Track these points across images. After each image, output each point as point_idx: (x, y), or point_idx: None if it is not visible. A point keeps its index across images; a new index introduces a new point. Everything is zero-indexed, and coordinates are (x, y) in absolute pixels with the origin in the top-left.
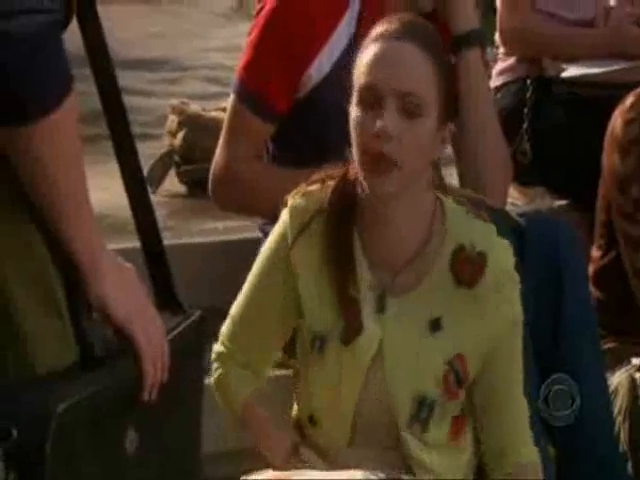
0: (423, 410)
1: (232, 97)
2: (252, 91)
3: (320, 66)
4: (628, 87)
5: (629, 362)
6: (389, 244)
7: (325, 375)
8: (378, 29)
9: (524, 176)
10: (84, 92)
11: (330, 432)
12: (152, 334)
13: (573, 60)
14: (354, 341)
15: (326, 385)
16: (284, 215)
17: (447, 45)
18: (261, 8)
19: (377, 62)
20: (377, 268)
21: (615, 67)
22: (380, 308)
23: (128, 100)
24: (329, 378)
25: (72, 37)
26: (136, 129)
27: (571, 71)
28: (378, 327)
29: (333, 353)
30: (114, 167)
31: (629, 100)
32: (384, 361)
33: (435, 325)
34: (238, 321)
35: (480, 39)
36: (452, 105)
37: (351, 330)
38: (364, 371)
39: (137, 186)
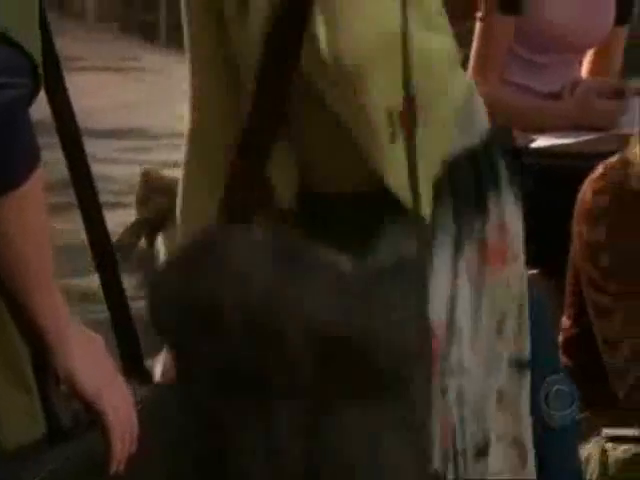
0: None
1: None
2: None
3: None
4: (597, 157)
5: (599, 432)
6: None
7: None
8: None
9: None
10: (52, 161)
11: None
12: (120, 407)
13: (542, 131)
14: None
15: None
16: None
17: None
18: None
19: None
20: None
21: (583, 138)
22: None
23: (99, 169)
24: None
25: (39, 104)
26: (107, 197)
27: (540, 142)
28: None
29: None
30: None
31: (599, 170)
32: None
33: None
34: None
35: None
36: None
37: None
38: None
39: (105, 255)
